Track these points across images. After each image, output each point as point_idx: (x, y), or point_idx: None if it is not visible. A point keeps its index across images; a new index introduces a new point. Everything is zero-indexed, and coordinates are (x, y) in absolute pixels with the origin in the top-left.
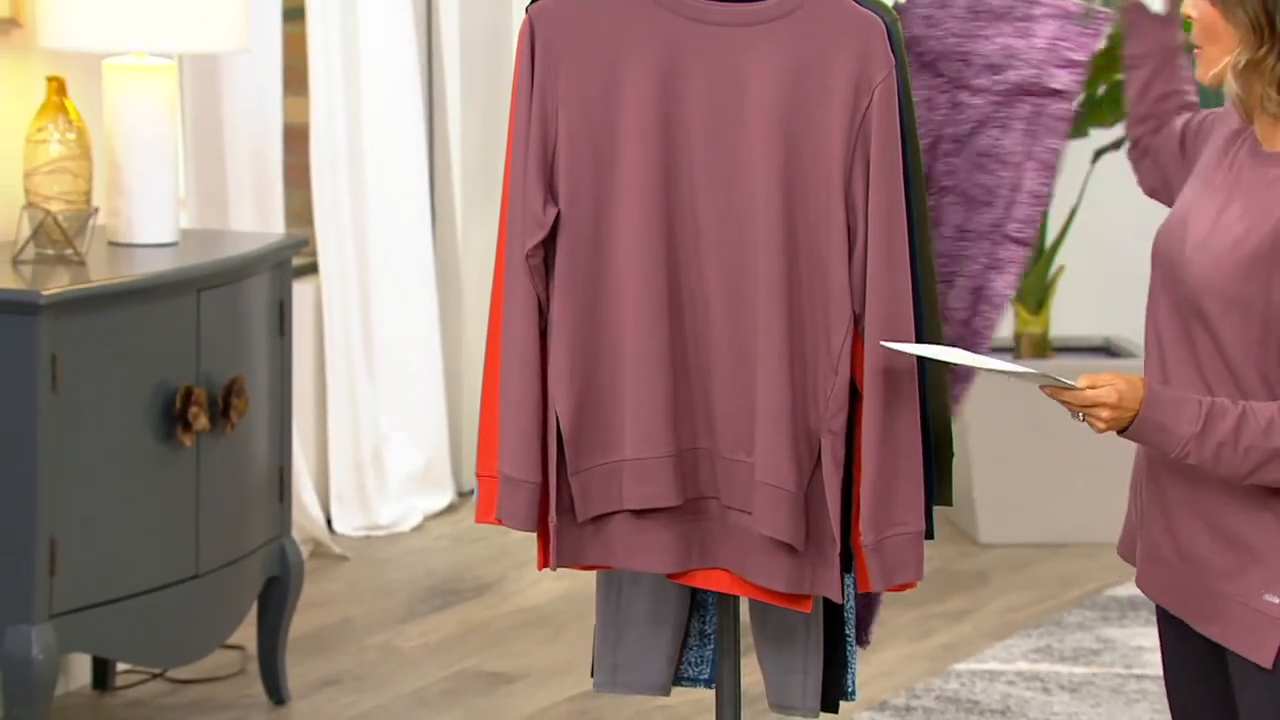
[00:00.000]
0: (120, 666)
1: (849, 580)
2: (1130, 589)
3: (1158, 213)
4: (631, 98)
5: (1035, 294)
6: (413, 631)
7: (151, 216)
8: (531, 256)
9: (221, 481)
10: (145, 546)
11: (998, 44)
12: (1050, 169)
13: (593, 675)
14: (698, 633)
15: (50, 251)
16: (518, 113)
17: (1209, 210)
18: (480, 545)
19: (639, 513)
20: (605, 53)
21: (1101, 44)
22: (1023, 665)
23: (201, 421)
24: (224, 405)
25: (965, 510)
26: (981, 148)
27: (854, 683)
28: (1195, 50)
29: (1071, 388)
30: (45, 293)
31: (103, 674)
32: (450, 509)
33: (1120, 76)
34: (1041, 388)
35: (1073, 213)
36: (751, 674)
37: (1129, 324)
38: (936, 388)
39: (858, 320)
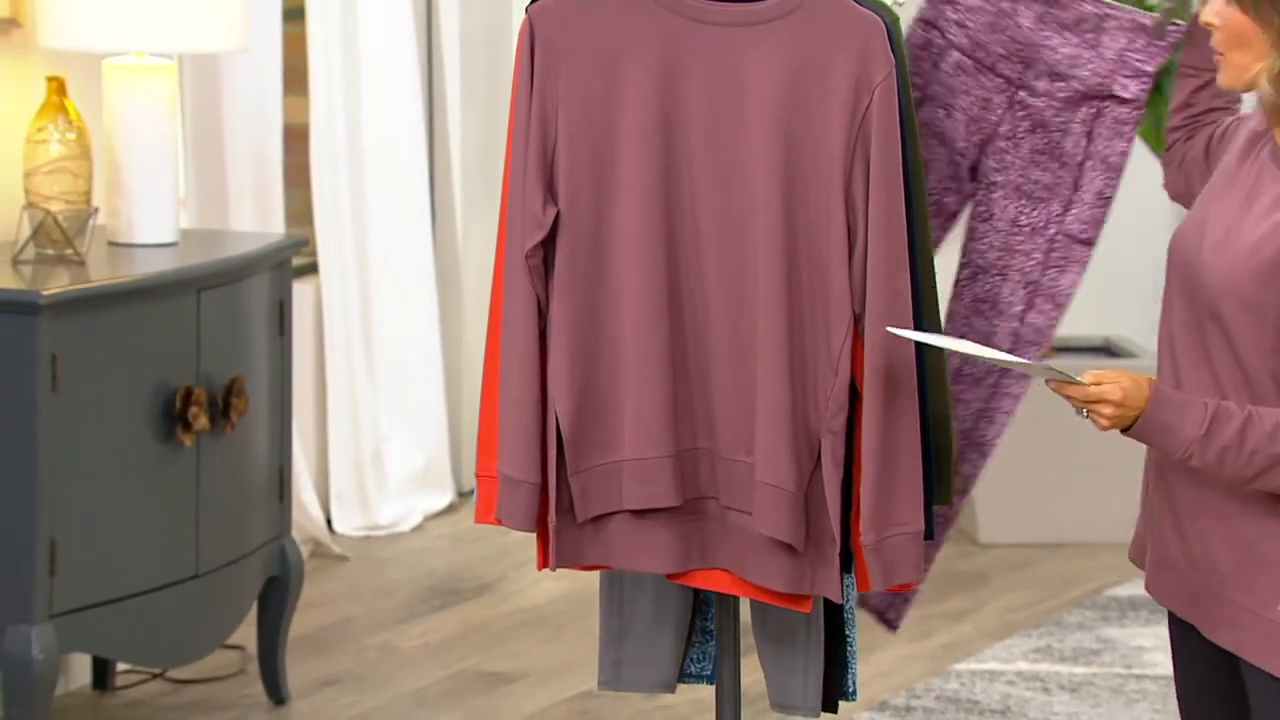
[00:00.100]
0: (120, 666)
1: (849, 580)
2: (1130, 589)
3: (1157, 213)
4: (631, 98)
5: None
6: (413, 631)
7: (151, 216)
8: (531, 256)
9: (221, 481)
10: (145, 546)
11: (1063, 53)
12: (1117, 171)
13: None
14: (700, 630)
15: (50, 251)
16: (518, 113)
17: (1227, 213)
18: (480, 545)
19: (638, 513)
20: (605, 53)
21: (1170, 55)
22: (1023, 665)
23: (201, 421)
24: (224, 405)
25: (965, 510)
26: (1038, 145)
27: (854, 683)
28: (1217, 57)
29: (1076, 383)
30: (45, 293)
31: (103, 674)
32: (450, 509)
33: None
34: (1046, 382)
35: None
36: (752, 674)
37: (1129, 324)
38: (937, 388)
39: (858, 320)
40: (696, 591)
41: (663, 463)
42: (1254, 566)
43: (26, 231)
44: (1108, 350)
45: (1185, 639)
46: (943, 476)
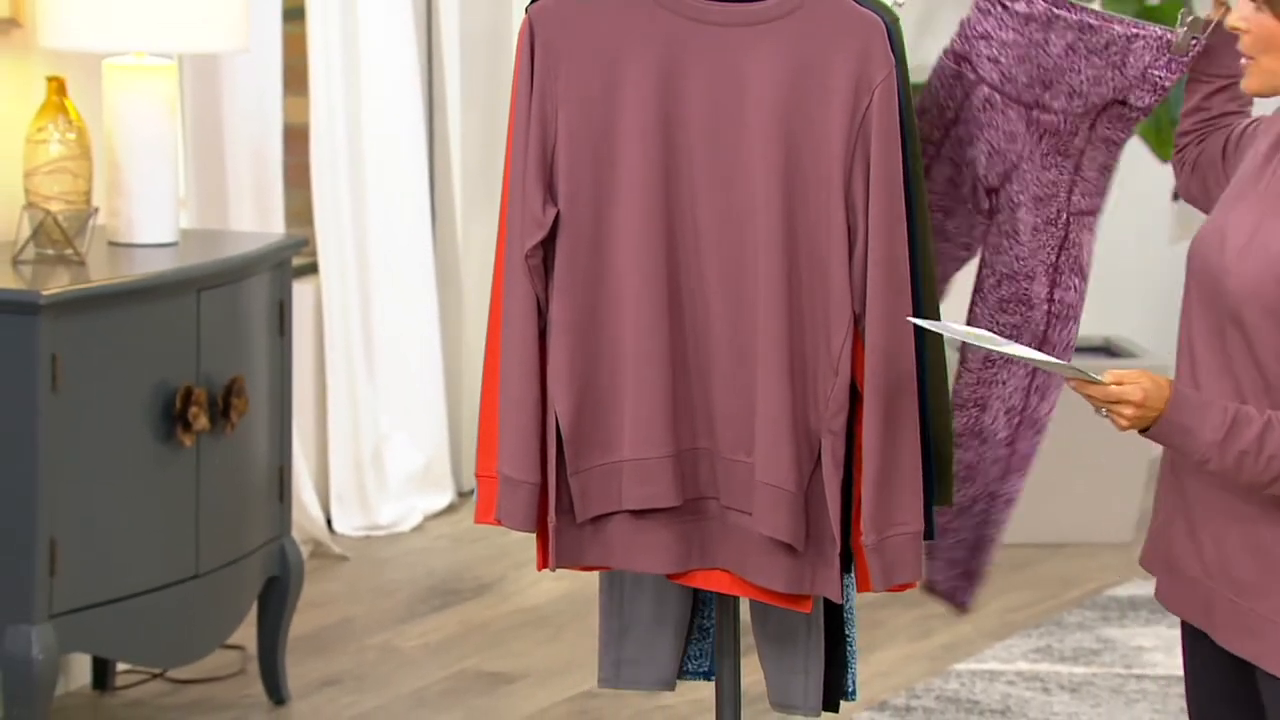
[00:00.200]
0: (120, 666)
1: (849, 580)
2: (1130, 589)
3: (1157, 213)
4: (631, 98)
5: None
6: (413, 631)
7: (151, 216)
8: (531, 257)
9: (221, 481)
10: (145, 546)
11: (1087, 74)
12: (1118, 146)
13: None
14: (697, 628)
15: (50, 251)
16: (517, 113)
17: (1249, 219)
18: (480, 545)
19: (638, 513)
20: (605, 53)
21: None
22: (1023, 665)
23: (201, 421)
24: (224, 405)
25: None
26: (1047, 149)
27: (854, 682)
28: (1244, 61)
29: (1098, 382)
30: (45, 293)
31: (103, 674)
32: (450, 509)
33: None
34: (1067, 380)
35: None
36: (752, 674)
37: (1129, 324)
38: (936, 388)
39: (858, 320)
40: (695, 590)
41: (663, 463)
42: (1272, 572)
43: (26, 231)
44: (1108, 350)
45: (1197, 646)
46: (943, 476)
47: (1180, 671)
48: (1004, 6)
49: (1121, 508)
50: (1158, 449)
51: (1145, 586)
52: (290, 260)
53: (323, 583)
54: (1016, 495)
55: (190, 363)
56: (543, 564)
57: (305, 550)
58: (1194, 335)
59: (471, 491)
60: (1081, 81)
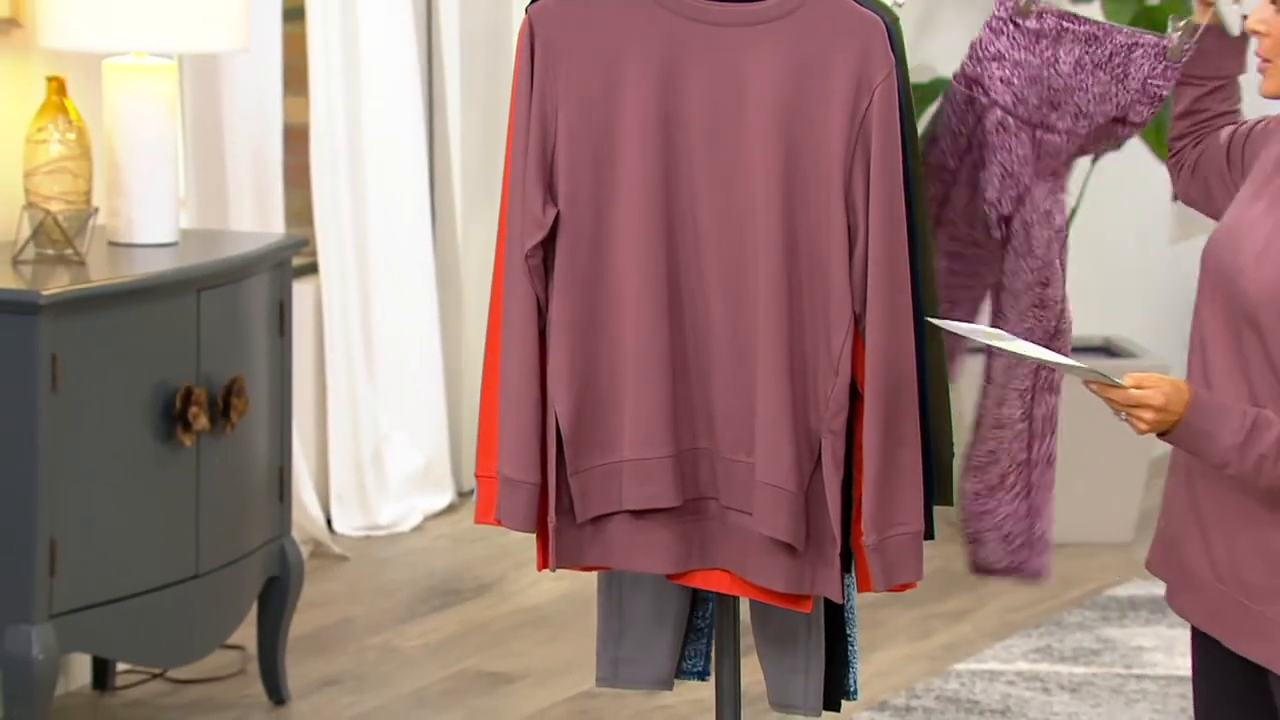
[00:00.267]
0: (120, 666)
1: (849, 580)
2: (1130, 589)
3: (1157, 214)
4: (631, 98)
5: None
6: (413, 631)
7: (151, 216)
8: (531, 257)
9: (221, 481)
10: (145, 546)
11: (1094, 92)
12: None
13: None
14: (692, 627)
15: (50, 251)
16: (517, 113)
17: (1266, 221)
18: (480, 545)
19: (638, 513)
20: (605, 53)
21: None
22: (1023, 665)
23: (201, 421)
24: (224, 405)
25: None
26: (1043, 168)
27: (856, 681)
28: (1262, 64)
29: (1119, 386)
30: (45, 293)
31: (103, 674)
32: (450, 509)
33: None
34: (1086, 383)
35: (1073, 213)
36: (751, 674)
37: (1129, 324)
38: (937, 388)
39: (858, 320)
40: (692, 589)
41: (663, 463)
42: None
43: (26, 231)
44: (1108, 350)
45: (1207, 648)
46: (942, 476)
47: (1181, 672)
48: (1016, 25)
49: (1121, 508)
50: (1158, 450)
51: (1145, 586)
52: (290, 260)
53: (323, 583)
54: (1053, 454)
55: (190, 363)
56: (543, 564)
57: (305, 550)
58: (1207, 335)
59: (471, 491)
60: (1089, 100)
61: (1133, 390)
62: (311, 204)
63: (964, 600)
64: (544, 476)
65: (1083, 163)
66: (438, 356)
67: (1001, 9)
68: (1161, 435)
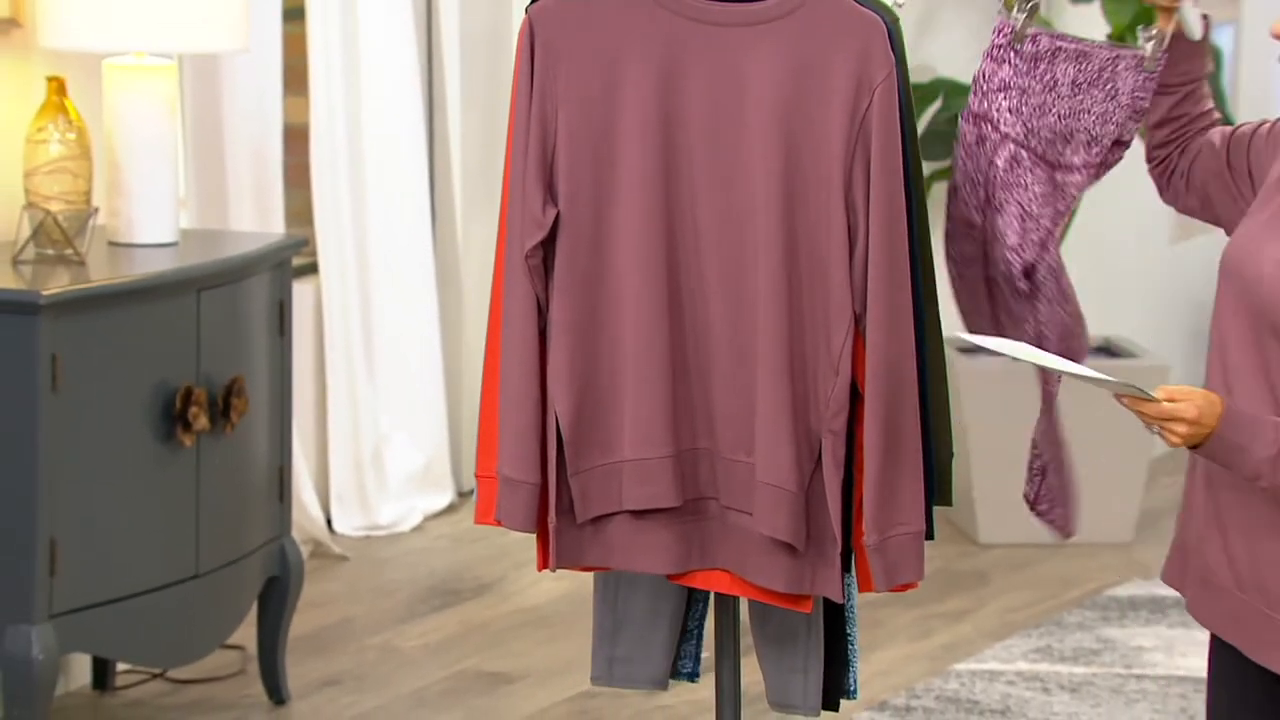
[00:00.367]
0: (120, 666)
1: (849, 579)
2: (1130, 589)
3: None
4: (631, 98)
5: None
6: (413, 631)
7: (151, 216)
8: (531, 257)
9: (221, 481)
10: (145, 546)
11: (1095, 113)
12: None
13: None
14: (683, 628)
15: (50, 251)
16: (517, 113)
17: None
18: (480, 545)
19: (639, 513)
20: (605, 53)
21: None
22: (1023, 665)
23: (201, 421)
24: (224, 405)
25: (965, 510)
26: (1064, 207)
27: (855, 681)
28: None
29: (1151, 399)
30: (45, 293)
31: (103, 674)
32: (450, 509)
33: None
34: (1118, 396)
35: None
36: (751, 674)
37: (1129, 324)
38: (937, 387)
39: (858, 320)
40: (689, 589)
41: (663, 463)
42: None
43: (26, 231)
44: (1108, 350)
45: (1226, 655)
46: (942, 476)
47: (1180, 672)
48: (1015, 51)
49: (1121, 508)
50: (1158, 450)
51: (1145, 587)
52: (290, 260)
53: (323, 583)
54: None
55: (190, 363)
56: (543, 564)
57: (305, 550)
58: (1228, 342)
59: (471, 491)
60: (1094, 122)
61: (1166, 404)
62: (311, 204)
63: (964, 600)
64: (544, 477)
65: None
66: (438, 356)
67: (1000, 36)
68: (1193, 448)
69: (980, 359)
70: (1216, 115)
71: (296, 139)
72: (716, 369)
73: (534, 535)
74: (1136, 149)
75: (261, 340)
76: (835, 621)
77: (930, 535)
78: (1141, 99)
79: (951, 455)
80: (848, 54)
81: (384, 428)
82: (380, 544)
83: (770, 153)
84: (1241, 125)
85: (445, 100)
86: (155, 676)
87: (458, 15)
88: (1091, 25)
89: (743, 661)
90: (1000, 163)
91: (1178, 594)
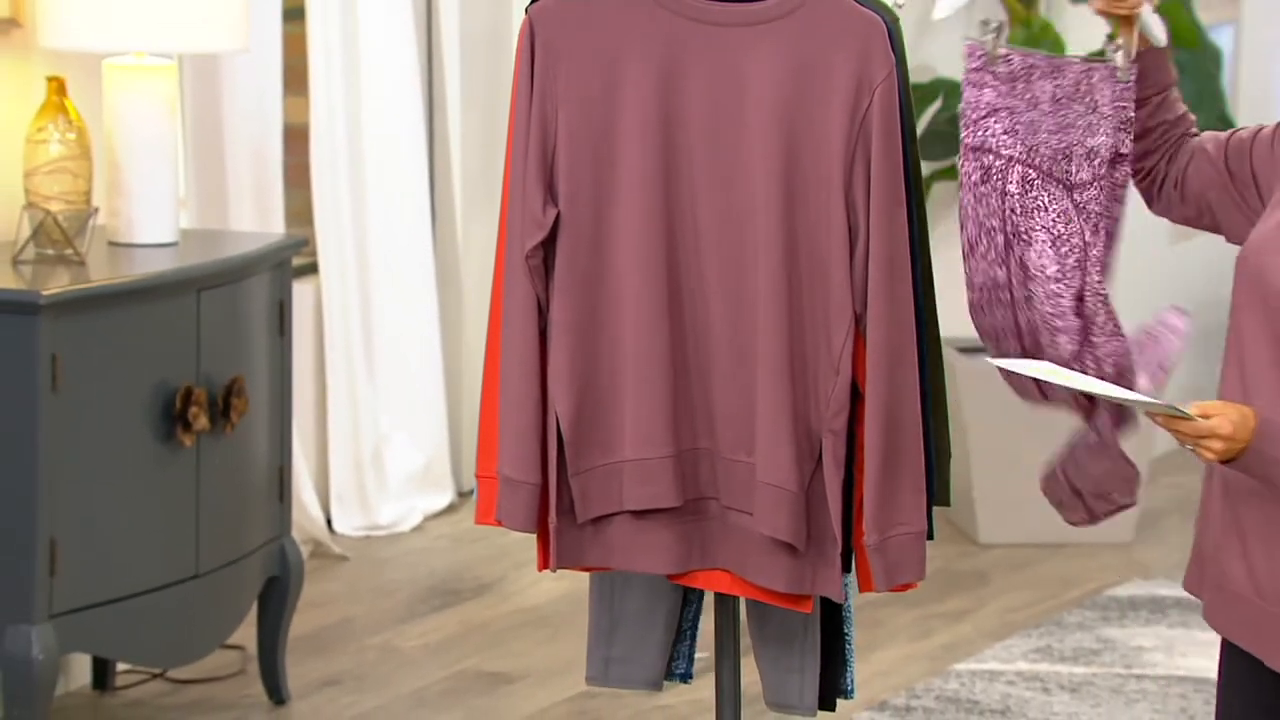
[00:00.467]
0: (120, 666)
1: (848, 580)
2: (1130, 589)
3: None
4: (631, 98)
5: None
6: (413, 631)
7: (151, 216)
8: (531, 257)
9: (221, 481)
10: (145, 546)
11: (1080, 125)
12: (1115, 239)
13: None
14: (677, 629)
15: (50, 251)
16: (518, 113)
17: None
18: (480, 545)
19: (639, 513)
20: (605, 53)
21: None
22: (1023, 665)
23: (201, 421)
24: (224, 405)
25: (965, 510)
26: (1095, 225)
27: (853, 681)
28: None
29: (1186, 417)
30: (45, 293)
31: (103, 674)
32: (450, 509)
33: None
34: (1151, 415)
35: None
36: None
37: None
38: (937, 387)
39: (859, 320)
40: (685, 590)
41: (663, 463)
42: None
43: (26, 231)
44: None
45: (1239, 660)
46: (941, 476)
47: (1180, 672)
48: (992, 73)
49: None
50: (1158, 450)
51: (1145, 587)
52: (290, 260)
53: (323, 583)
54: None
55: (190, 363)
56: (543, 565)
57: (305, 550)
58: (1245, 346)
59: (471, 491)
60: (1083, 134)
61: (1201, 421)
62: (311, 204)
63: (964, 600)
64: (544, 477)
65: None
66: (438, 356)
67: (974, 59)
68: (1227, 462)
69: (980, 359)
70: (1192, 117)
71: (296, 139)
72: (717, 369)
73: (534, 535)
74: None
75: (261, 340)
76: (832, 621)
77: (930, 535)
78: (1124, 107)
79: (949, 455)
80: (848, 54)
81: (384, 428)
82: (380, 544)
83: (770, 152)
84: (1236, 131)
85: (445, 100)
86: (155, 676)
87: (458, 15)
88: (1091, 25)
89: (742, 661)
90: (1013, 188)
91: (1177, 594)
